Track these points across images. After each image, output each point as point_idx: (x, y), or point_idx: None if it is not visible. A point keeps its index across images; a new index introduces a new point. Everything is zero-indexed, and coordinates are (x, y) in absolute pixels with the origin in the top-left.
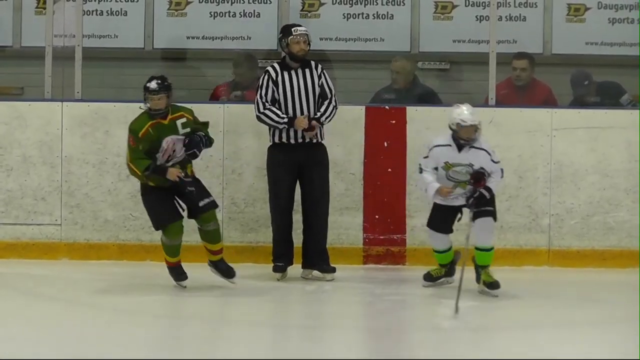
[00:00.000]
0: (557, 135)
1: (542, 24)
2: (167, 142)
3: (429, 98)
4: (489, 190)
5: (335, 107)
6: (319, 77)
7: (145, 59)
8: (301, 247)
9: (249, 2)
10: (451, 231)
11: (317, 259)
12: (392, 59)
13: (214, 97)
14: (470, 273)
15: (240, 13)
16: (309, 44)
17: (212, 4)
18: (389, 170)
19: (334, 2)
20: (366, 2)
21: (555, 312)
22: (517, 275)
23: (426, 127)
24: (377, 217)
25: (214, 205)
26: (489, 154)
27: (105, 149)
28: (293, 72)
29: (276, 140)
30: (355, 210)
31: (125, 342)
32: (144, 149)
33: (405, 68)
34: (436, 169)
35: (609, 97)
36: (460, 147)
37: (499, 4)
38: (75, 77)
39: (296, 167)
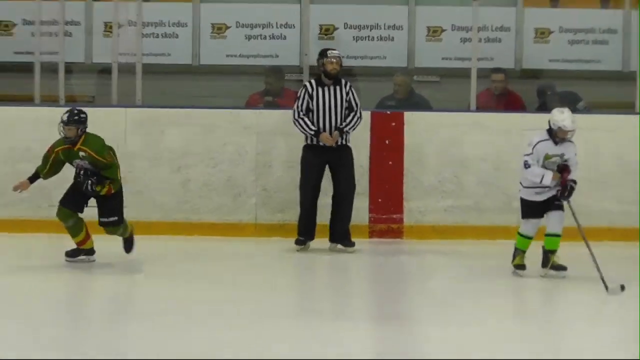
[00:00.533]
0: (527, 134)
1: (515, 44)
2: (77, 164)
3: (423, 105)
4: (574, 182)
5: (359, 118)
6: (347, 93)
7: (193, 72)
8: (329, 225)
9: (276, 27)
10: (543, 214)
11: (341, 236)
12: (393, 73)
13: (249, 104)
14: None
15: (269, 36)
16: (341, 65)
17: (247, 29)
18: (390, 163)
19: (346, 27)
20: (371, 27)
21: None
22: (494, 248)
23: (422, 129)
24: (380, 200)
25: (112, 225)
26: (576, 147)
27: (160, 145)
28: (326, 88)
29: (309, 142)
30: (363, 195)
31: (160, 301)
32: (49, 158)
33: (405, 82)
34: (537, 161)
35: (568, 103)
36: (556, 142)
37: (479, 29)
38: (136, 87)
39: (325, 165)
